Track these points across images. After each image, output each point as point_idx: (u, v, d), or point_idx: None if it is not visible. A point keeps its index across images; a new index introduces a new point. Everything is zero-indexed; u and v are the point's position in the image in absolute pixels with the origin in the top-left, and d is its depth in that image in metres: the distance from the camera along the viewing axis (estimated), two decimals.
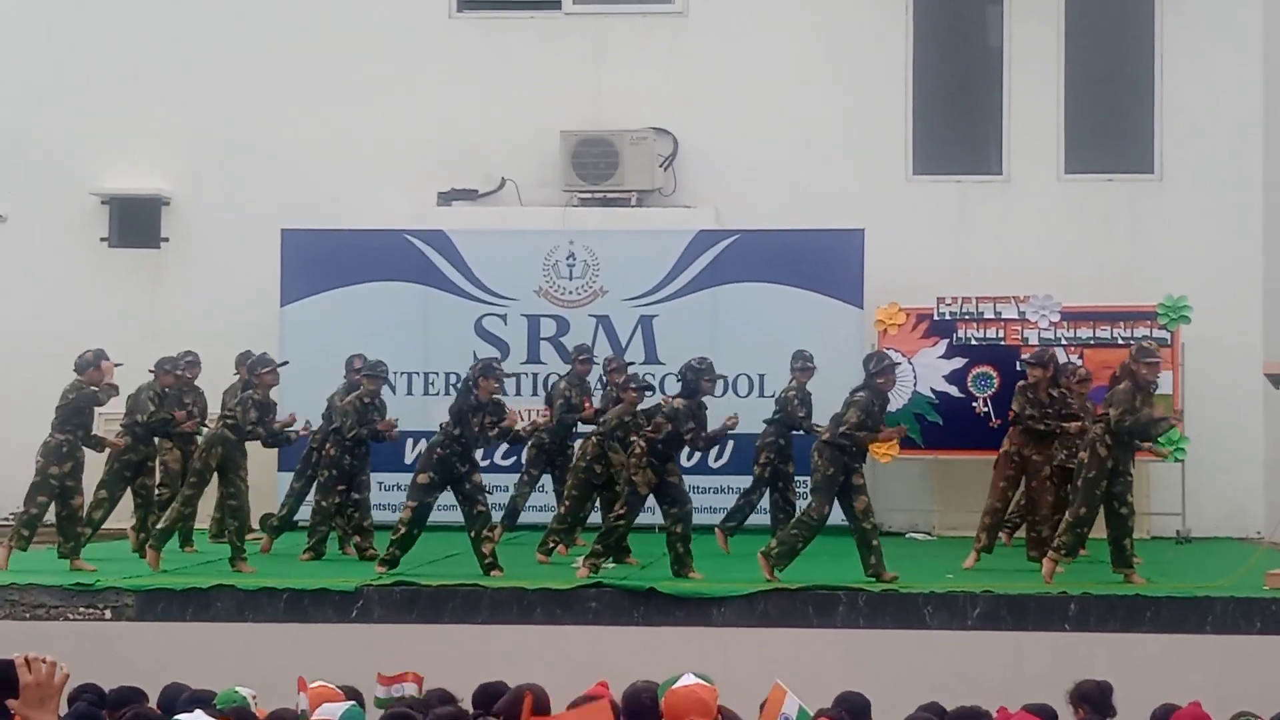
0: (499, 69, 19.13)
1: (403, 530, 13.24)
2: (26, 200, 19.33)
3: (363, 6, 19.29)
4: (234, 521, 14.00)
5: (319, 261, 17.98)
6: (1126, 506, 12.96)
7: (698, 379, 13.25)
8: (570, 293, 17.90)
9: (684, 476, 16.49)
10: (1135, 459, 13.20)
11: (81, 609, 12.48)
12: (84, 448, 13.97)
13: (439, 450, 13.28)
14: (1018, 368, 16.68)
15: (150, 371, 15.19)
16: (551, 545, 14.61)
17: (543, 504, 16.01)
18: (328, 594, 12.45)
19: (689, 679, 6.52)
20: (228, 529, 14.22)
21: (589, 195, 18.70)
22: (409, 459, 17.02)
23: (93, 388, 13.93)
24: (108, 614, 12.44)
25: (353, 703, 6.86)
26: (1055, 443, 14.36)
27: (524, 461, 16.00)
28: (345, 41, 19.25)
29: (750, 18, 18.99)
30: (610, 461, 14.26)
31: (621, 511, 13.15)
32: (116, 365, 14.22)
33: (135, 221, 19.30)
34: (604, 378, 15.92)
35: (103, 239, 19.32)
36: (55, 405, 13.90)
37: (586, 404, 15.47)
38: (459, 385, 13.91)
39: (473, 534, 13.26)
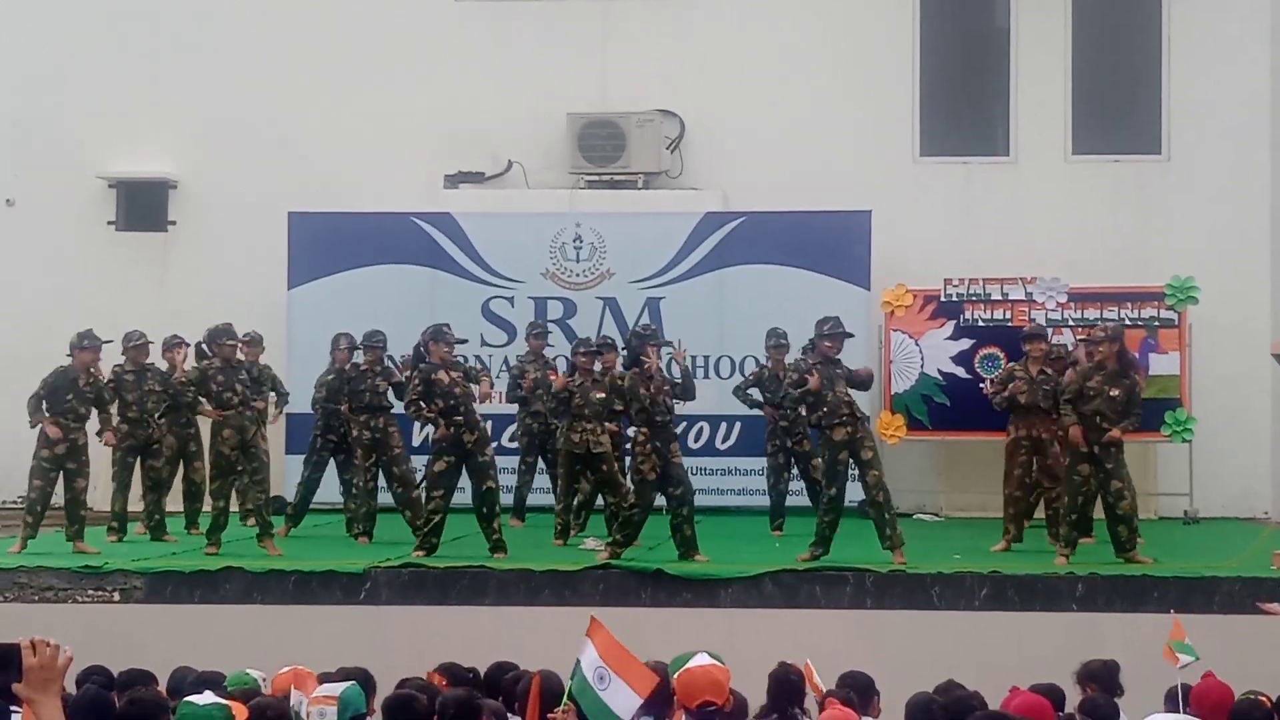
0: (505, 51, 19.10)
1: (436, 519, 13.28)
2: (34, 184, 19.35)
3: None
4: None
5: (326, 244, 17.97)
6: (1112, 494, 12.83)
7: (641, 346, 13.24)
8: (577, 275, 17.88)
9: (693, 458, 16.42)
10: (1122, 441, 13.00)
11: (90, 591, 12.52)
12: (83, 428, 14.02)
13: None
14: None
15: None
16: (559, 528, 14.60)
17: (547, 486, 16.01)
18: (336, 576, 12.50)
19: (703, 658, 6.51)
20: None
21: (596, 178, 18.68)
22: (415, 440, 16.98)
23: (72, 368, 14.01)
24: (116, 596, 12.48)
25: (353, 682, 6.89)
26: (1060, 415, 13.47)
27: (521, 451, 15.93)
28: (352, 25, 19.23)
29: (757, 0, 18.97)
30: (588, 432, 13.71)
31: (636, 502, 13.06)
32: (106, 342, 14.23)
33: (142, 205, 19.30)
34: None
35: (110, 222, 19.32)
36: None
37: (552, 375, 14.86)
38: (412, 355, 13.83)
39: (481, 510, 13.28)
